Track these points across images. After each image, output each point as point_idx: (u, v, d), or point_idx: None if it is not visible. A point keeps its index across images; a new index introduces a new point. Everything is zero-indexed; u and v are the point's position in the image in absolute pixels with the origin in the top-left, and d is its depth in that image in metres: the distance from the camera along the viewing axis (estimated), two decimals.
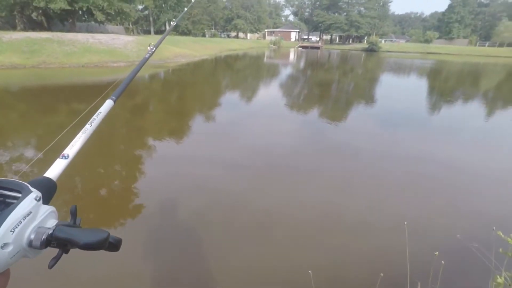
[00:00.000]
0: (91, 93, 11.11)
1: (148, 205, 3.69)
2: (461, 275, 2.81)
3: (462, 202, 4.11)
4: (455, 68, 28.72)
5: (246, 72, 20.81)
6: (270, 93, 12.69)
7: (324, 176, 4.70)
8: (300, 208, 3.76)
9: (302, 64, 28.94)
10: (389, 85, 16.31)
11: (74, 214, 0.51)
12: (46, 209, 0.46)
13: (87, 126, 0.74)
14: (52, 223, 0.46)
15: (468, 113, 10.04)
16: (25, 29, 23.88)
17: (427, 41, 62.35)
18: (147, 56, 1.23)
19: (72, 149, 0.66)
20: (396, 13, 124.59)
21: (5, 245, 0.38)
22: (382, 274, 2.01)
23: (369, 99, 11.72)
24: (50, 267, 0.45)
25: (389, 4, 69.22)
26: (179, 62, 22.05)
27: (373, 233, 3.34)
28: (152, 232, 3.18)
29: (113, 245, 0.50)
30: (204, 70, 20.62)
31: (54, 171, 0.59)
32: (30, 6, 24.03)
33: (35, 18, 27.92)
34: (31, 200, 0.44)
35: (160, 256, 2.84)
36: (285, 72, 22.07)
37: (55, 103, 9.32)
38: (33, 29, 24.18)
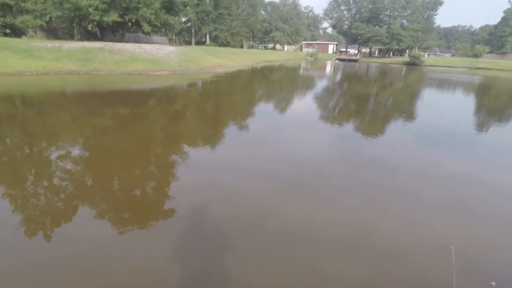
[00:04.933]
0: (134, 99, 11.85)
1: (178, 209, 3.81)
2: None
3: None
4: (507, 84, 26.57)
5: (281, 83, 20.94)
6: (304, 105, 12.64)
7: (358, 192, 4.54)
8: (331, 224, 3.66)
9: (338, 77, 28.50)
10: (431, 101, 15.49)
11: None
12: None
13: None
14: None
15: None
16: (81, 39, 26.42)
17: (475, 55, 58.60)
18: None
19: None
20: (442, 26, 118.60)
21: None
22: None
23: (409, 115, 11.21)
24: None
25: (434, 16, 66.27)
26: (217, 71, 22.80)
27: (413, 256, 3.14)
28: (180, 236, 3.27)
29: None
30: (240, 80, 21.10)
31: None
32: (87, 19, 26.59)
33: (90, 29, 30.94)
34: None
35: (185, 260, 2.92)
36: (321, 84, 21.88)
37: (101, 107, 10.05)
38: (88, 39, 26.70)
